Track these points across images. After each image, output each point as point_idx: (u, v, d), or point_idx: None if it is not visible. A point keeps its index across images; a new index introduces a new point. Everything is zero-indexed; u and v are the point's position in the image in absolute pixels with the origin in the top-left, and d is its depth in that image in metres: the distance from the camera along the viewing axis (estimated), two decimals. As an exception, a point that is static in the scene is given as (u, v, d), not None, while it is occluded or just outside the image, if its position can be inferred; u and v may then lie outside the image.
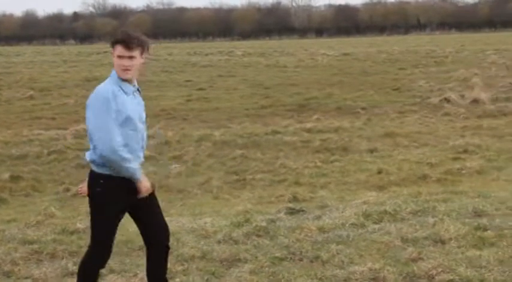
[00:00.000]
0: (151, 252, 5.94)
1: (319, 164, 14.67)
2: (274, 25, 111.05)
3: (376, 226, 8.53)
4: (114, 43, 5.50)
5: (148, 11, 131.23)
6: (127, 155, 5.45)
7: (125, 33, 5.56)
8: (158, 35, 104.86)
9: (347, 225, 8.56)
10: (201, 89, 30.07)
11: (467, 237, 7.83)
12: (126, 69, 5.49)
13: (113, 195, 5.55)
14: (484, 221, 8.51)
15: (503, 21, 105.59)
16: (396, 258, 7.28)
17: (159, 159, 15.57)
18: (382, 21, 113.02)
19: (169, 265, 6.17)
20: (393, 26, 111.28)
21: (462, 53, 43.42)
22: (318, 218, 9.12)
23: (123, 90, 5.51)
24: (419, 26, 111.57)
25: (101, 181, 5.54)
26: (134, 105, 5.60)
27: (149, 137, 18.26)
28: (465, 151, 15.17)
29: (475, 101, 23.33)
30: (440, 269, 6.78)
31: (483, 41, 61.29)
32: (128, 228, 7.33)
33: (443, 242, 7.74)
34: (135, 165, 5.53)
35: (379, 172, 13.40)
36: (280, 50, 51.49)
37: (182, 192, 12.75)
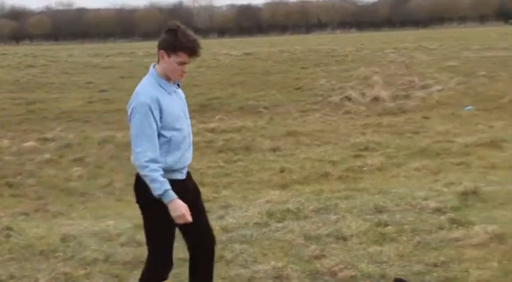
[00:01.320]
0: (197, 263, 5.66)
1: (222, 164, 14.69)
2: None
3: (280, 225, 8.59)
4: (179, 49, 5.10)
5: (47, 12, 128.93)
6: (154, 174, 5.05)
7: (194, 40, 5.13)
8: (58, 36, 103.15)
9: (250, 224, 8.59)
10: (102, 90, 29.70)
11: (368, 233, 7.97)
12: (183, 74, 5.23)
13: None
14: (384, 217, 8.67)
15: (402, 21, 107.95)
16: (299, 256, 7.35)
17: (60, 162, 15.32)
18: (284, 21, 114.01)
19: (70, 269, 6.07)
20: (295, 26, 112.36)
21: (362, 51, 44.05)
22: (221, 217, 9.14)
23: (165, 90, 5.21)
24: (320, 26, 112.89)
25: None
26: (177, 102, 5.30)
27: (50, 140, 17.97)
28: (366, 148, 15.41)
29: (375, 98, 23.74)
30: (342, 266, 6.88)
31: (383, 40, 62.35)
32: (28, 233, 7.18)
33: (345, 239, 7.85)
34: (167, 185, 5.09)
35: (282, 171, 13.50)
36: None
37: (84, 196, 12.56)
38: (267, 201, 9.89)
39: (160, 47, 5.15)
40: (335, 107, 22.92)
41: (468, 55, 39.07)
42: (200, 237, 5.55)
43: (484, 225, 7.94)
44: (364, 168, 13.30)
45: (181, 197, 5.12)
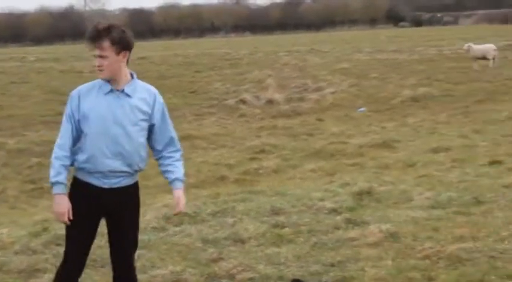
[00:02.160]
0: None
1: (119, 169, 14.51)
2: (67, 30, 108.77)
3: (177, 229, 8.55)
4: (89, 41, 5.06)
5: None
6: (55, 162, 5.03)
7: (92, 28, 5.05)
8: None
9: (148, 229, 8.51)
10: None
11: (266, 236, 8.00)
12: (96, 68, 5.09)
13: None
14: (281, 218, 8.73)
15: (294, 24, 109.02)
16: (197, 259, 7.33)
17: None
18: (177, 25, 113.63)
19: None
20: (188, 29, 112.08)
21: (256, 55, 44.31)
22: (119, 223, 9.02)
23: (101, 88, 5.10)
24: (213, 29, 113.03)
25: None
26: (111, 104, 5.07)
27: None
28: (262, 151, 15.51)
29: (270, 101, 23.94)
30: (240, 268, 6.89)
31: (276, 43, 62.88)
32: None
33: (243, 241, 7.86)
34: (61, 177, 5.02)
35: (178, 175, 13.40)
36: (75, 54, 50.40)
37: (-24, 204, 12.23)
38: (164, 206, 9.80)
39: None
40: (230, 111, 23.00)
41: (360, 58, 39.83)
42: (115, 259, 5.48)
43: (378, 225, 8.09)
44: (260, 171, 13.38)
45: (85, 202, 5.10)
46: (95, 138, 5.06)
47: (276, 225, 8.42)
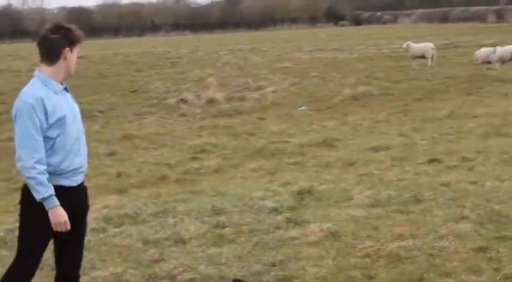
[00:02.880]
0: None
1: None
2: (6, 28, 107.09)
3: (117, 230, 8.49)
4: (76, 41, 5.20)
5: None
6: (41, 177, 4.97)
7: (80, 30, 5.24)
8: None
9: (88, 230, 8.41)
10: None
11: (207, 236, 8.00)
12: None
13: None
14: (222, 218, 8.73)
15: (235, 22, 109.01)
16: (138, 260, 7.29)
17: None
18: (117, 23, 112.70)
19: None
20: (128, 28, 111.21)
21: (197, 53, 44.24)
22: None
23: (51, 89, 5.12)
24: (154, 28, 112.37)
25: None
26: (65, 104, 5.18)
27: None
28: (203, 151, 15.44)
29: (211, 100, 23.88)
30: (181, 269, 6.88)
31: (217, 41, 62.87)
32: None
33: (184, 242, 7.85)
34: (51, 190, 5.01)
35: (119, 175, 13.31)
36: (13, 54, 49.70)
37: None
38: (104, 207, 9.74)
39: (63, 46, 5.12)
40: (171, 110, 22.90)
41: (300, 56, 40.05)
42: (68, 260, 5.48)
43: (319, 224, 8.14)
44: (202, 171, 13.32)
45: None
46: (64, 138, 5.13)
47: (217, 225, 8.41)
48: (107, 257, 7.48)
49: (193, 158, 14.72)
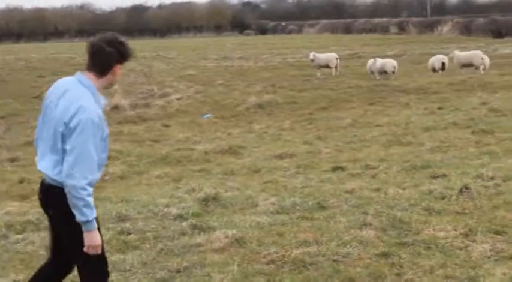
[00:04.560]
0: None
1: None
2: None
3: (20, 236, 8.36)
4: (128, 58, 5.19)
5: None
6: (90, 200, 4.85)
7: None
8: None
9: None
10: None
11: (111, 242, 7.91)
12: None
13: None
14: (127, 225, 8.67)
15: (140, 29, 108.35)
16: (40, 268, 7.16)
17: None
18: (20, 28, 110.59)
19: None
20: (31, 33, 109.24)
21: (100, 60, 43.78)
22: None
23: (99, 104, 5.04)
24: (57, 33, 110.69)
25: None
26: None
27: None
28: (107, 157, 15.26)
29: (116, 107, 23.63)
30: (85, 276, 6.77)
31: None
32: None
33: (87, 249, 7.74)
34: (92, 213, 4.90)
35: (21, 182, 13.03)
36: None
37: None
38: (6, 213, 9.55)
39: (116, 61, 5.08)
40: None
41: (206, 64, 40.11)
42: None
43: (224, 230, 8.16)
44: (106, 177, 13.16)
45: None
46: (105, 155, 5.20)
47: (121, 232, 8.35)
48: (8, 264, 7.34)
49: (99, 165, 14.53)
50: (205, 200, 9.88)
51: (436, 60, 31.02)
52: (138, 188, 12.02)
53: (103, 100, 5.13)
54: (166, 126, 20.46)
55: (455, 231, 7.84)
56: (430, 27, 77.72)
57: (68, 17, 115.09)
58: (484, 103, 20.44)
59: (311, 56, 33.08)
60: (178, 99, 25.75)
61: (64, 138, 4.90)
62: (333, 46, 50.98)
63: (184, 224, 8.68)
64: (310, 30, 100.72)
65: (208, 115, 22.36)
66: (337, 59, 32.46)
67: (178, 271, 7.00)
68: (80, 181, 4.79)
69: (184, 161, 14.64)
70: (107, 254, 7.46)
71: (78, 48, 63.02)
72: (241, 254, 7.44)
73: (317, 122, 19.83)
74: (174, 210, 9.30)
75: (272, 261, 7.16)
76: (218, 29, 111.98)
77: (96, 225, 4.95)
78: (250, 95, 25.73)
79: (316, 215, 9.00)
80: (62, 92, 5.04)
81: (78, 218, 4.86)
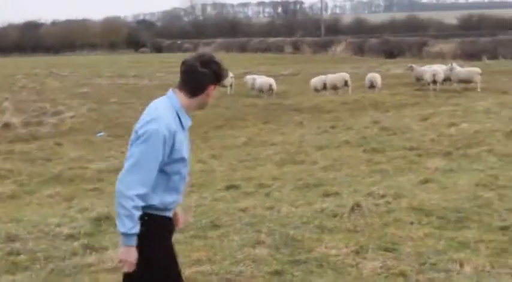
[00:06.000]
0: None
1: None
2: None
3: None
4: (222, 80, 5.01)
5: None
6: (135, 212, 4.63)
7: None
8: None
9: None
10: None
11: (0, 263, 7.74)
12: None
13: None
14: (17, 245, 8.50)
15: (33, 46, 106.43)
16: None
17: None
18: None
19: None
20: None
21: (-8, 77, 42.91)
22: None
23: (181, 124, 4.87)
24: None
25: (145, 218, 4.74)
26: (186, 143, 4.96)
27: None
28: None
29: (6, 125, 23.16)
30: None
31: (13, 65, 61.24)
32: None
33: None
34: (137, 229, 4.67)
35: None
36: None
37: None
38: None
39: (210, 82, 4.93)
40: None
41: (100, 82, 39.75)
42: None
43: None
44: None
45: (169, 236, 5.07)
46: (181, 179, 4.98)
47: (11, 253, 8.18)
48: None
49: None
50: (98, 220, 9.77)
51: (318, 81, 31.60)
52: (28, 208, 11.80)
53: (189, 121, 5.00)
54: (59, 144, 20.13)
55: (346, 249, 7.96)
56: (324, 47, 78.77)
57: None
58: (375, 122, 20.81)
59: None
60: (71, 117, 25.43)
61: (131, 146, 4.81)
62: (228, 65, 51.19)
63: (75, 243, 8.57)
64: (205, 48, 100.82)
65: (101, 133, 22.14)
66: (232, 77, 32.63)
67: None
68: (129, 190, 4.63)
69: (77, 180, 14.46)
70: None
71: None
72: (134, 274, 7.38)
73: (212, 141, 19.89)
74: (66, 230, 9.17)
75: (165, 280, 7.13)
76: (113, 46, 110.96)
77: (134, 243, 4.74)
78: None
79: (209, 233, 9.01)
80: (149, 107, 4.98)
81: (118, 227, 4.70)
